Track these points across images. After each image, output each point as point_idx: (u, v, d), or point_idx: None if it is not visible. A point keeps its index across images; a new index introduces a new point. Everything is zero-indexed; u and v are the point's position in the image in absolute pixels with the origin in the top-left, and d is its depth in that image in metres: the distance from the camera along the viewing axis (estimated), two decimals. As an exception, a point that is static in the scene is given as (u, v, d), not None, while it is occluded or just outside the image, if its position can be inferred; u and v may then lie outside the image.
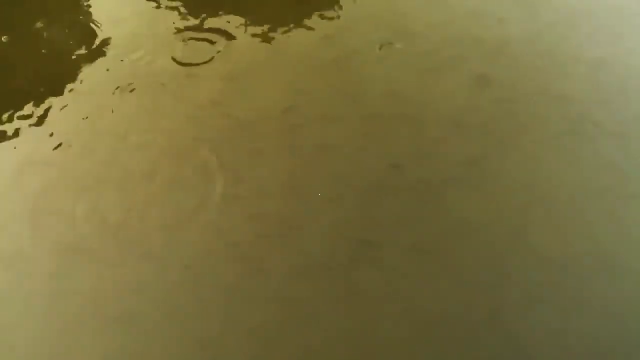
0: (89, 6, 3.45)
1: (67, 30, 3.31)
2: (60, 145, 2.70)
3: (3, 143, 2.72)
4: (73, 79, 3.01)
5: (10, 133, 2.76)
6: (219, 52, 3.16)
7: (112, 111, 2.84)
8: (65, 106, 2.87)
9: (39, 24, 3.34)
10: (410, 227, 2.38)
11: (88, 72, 3.04)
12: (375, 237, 2.35)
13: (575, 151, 2.64)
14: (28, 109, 2.87)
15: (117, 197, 2.50)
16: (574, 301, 2.15)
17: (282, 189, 2.52)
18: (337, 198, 2.48)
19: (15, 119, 2.83)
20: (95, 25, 3.32)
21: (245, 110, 2.84)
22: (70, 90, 2.95)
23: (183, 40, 3.24)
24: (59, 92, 2.95)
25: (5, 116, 2.85)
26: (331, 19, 3.33)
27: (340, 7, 3.39)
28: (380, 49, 3.11)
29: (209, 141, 2.71)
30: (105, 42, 3.22)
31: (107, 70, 3.05)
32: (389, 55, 3.09)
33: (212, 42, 3.22)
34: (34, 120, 2.82)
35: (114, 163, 2.63)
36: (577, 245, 2.32)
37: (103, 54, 3.15)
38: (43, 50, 3.20)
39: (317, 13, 3.37)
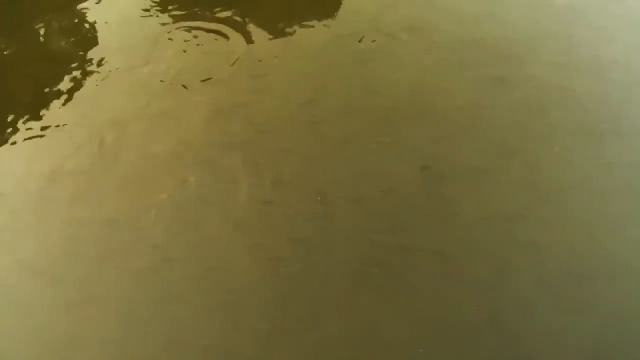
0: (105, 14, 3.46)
1: (77, 38, 3.31)
2: (85, 153, 2.68)
3: (31, 152, 2.70)
4: (89, 87, 2.99)
5: (35, 142, 2.74)
6: (236, 52, 3.14)
7: (134, 120, 2.81)
8: (86, 115, 2.84)
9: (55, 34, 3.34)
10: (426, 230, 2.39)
11: (105, 80, 3.02)
12: (399, 241, 2.34)
13: (583, 150, 2.64)
14: (51, 115, 2.86)
15: (144, 204, 2.48)
16: (573, 301, 2.16)
17: (307, 191, 2.51)
18: (359, 199, 2.47)
19: (40, 125, 2.81)
20: (108, 30, 3.32)
21: (267, 110, 2.83)
22: (90, 100, 2.92)
23: (196, 38, 3.23)
24: (78, 101, 2.92)
25: (29, 124, 2.83)
26: (348, 17, 3.34)
27: (354, 7, 3.41)
28: (373, 41, 3.13)
29: (232, 145, 2.69)
30: (122, 48, 3.19)
31: (124, 77, 3.03)
32: (404, 54, 3.09)
33: (228, 42, 3.21)
34: (59, 127, 2.80)
35: (138, 170, 2.61)
36: (577, 244, 2.33)
37: (120, 60, 3.12)
38: (58, 58, 3.20)
39: (335, 10, 3.38)
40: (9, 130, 2.80)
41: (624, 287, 2.18)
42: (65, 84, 3.00)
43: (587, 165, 2.58)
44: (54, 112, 2.87)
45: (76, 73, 3.06)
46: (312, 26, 3.30)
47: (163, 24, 3.33)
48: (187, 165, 2.61)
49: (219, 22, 3.33)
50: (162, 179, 2.57)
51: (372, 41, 3.17)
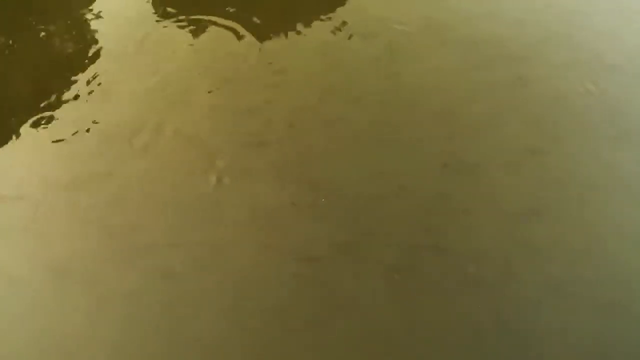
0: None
1: (85, 43, 3.30)
2: (113, 157, 2.71)
3: (55, 155, 2.71)
4: (110, 91, 3.00)
5: (58, 145, 2.76)
6: (248, 50, 3.17)
7: (160, 124, 2.83)
8: (109, 120, 2.87)
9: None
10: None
11: (126, 82, 3.04)
12: (412, 240, 2.38)
13: (594, 152, 2.68)
14: (70, 119, 2.86)
15: (169, 206, 2.51)
16: (575, 299, 2.20)
17: (334, 192, 2.54)
18: (378, 198, 2.51)
19: (63, 130, 2.82)
20: (117, 34, 3.32)
21: (289, 108, 2.87)
22: (108, 104, 2.94)
23: (207, 39, 3.25)
24: (99, 105, 2.94)
25: (50, 125, 2.85)
26: (360, 15, 3.37)
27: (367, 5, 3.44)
28: (349, 38, 3.18)
29: (261, 144, 2.72)
30: (130, 51, 3.20)
31: (149, 80, 3.04)
32: (419, 52, 3.14)
33: (238, 41, 3.22)
34: (84, 131, 2.82)
35: (165, 173, 2.64)
36: (577, 245, 2.37)
37: (133, 64, 3.12)
38: (66, 61, 3.20)
39: (347, 8, 3.42)
40: (21, 133, 2.82)
41: (626, 287, 2.23)
42: (79, 90, 3.02)
43: (598, 165, 2.63)
44: (72, 115, 2.89)
45: (90, 78, 3.07)
46: (321, 23, 3.33)
47: (176, 28, 3.35)
48: (217, 168, 2.64)
49: (226, 21, 3.34)
50: (189, 181, 2.60)
51: (387, 40, 3.20)
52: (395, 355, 2.08)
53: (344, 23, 3.33)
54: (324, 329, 2.15)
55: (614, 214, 2.44)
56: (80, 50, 3.24)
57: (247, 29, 3.31)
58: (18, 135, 2.84)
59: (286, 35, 3.27)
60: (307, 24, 3.33)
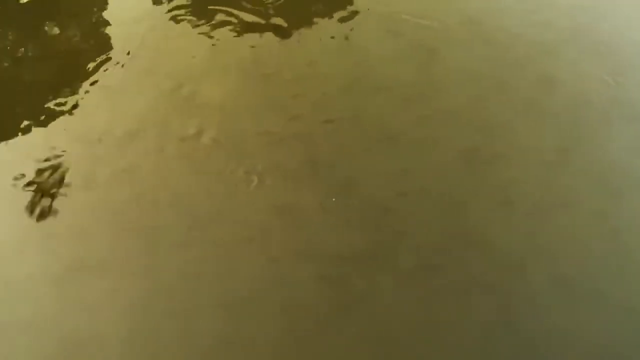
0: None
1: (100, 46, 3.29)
2: (125, 157, 2.68)
3: (92, 156, 2.69)
4: (123, 91, 2.97)
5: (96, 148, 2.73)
6: (276, 49, 3.14)
7: (180, 123, 2.79)
8: (121, 120, 2.84)
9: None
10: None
11: (140, 84, 3.02)
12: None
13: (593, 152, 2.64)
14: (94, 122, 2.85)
15: (203, 201, 2.49)
16: (581, 300, 2.17)
17: (355, 190, 2.52)
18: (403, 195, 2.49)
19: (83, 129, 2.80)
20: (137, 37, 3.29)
21: (310, 107, 2.84)
22: (125, 105, 2.91)
23: (229, 33, 3.21)
24: (110, 106, 2.90)
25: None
26: (390, 13, 3.35)
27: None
28: (375, 34, 3.14)
29: (294, 139, 2.70)
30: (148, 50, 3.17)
31: (166, 79, 3.01)
32: (453, 47, 3.13)
33: (267, 39, 3.19)
34: (91, 131, 2.79)
35: (179, 170, 2.61)
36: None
37: (155, 64, 3.09)
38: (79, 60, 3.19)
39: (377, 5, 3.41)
40: (33, 133, 2.81)
41: (629, 287, 2.20)
42: (85, 91, 2.99)
43: (618, 166, 2.60)
44: (78, 117, 2.88)
45: (99, 81, 3.04)
46: (343, 18, 3.32)
47: (192, 24, 3.31)
48: (239, 167, 2.61)
49: (244, 13, 3.31)
50: (206, 180, 2.56)
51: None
52: (397, 355, 2.07)
53: (368, 18, 3.31)
54: (338, 330, 2.14)
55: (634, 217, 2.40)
56: (91, 51, 3.22)
57: (268, 23, 3.28)
58: (30, 134, 2.84)
59: (309, 28, 3.24)
60: (330, 17, 3.30)
